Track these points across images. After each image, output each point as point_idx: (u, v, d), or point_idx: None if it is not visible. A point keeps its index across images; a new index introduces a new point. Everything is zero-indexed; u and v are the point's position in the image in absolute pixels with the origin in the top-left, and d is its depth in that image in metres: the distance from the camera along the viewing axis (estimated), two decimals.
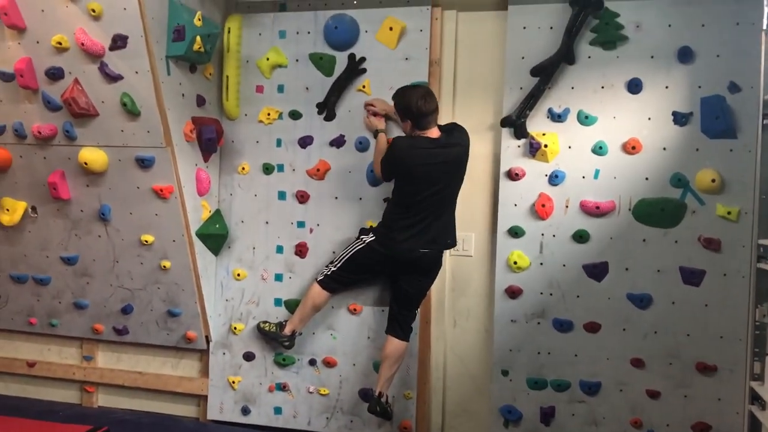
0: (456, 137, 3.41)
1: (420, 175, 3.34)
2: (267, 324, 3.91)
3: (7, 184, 3.98)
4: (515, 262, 3.58)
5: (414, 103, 3.29)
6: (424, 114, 3.30)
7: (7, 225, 4.03)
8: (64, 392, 4.48)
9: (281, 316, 3.98)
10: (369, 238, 3.61)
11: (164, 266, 3.91)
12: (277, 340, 3.86)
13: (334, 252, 3.85)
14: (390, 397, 3.68)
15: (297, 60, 3.89)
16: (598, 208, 3.45)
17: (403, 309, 3.64)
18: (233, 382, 4.08)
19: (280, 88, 3.93)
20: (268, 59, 3.91)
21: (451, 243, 3.56)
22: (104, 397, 4.43)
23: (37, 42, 3.52)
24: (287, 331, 3.82)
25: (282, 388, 4.02)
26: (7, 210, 4.00)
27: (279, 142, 3.92)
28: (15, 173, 3.94)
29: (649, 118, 3.39)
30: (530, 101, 3.50)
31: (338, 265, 3.68)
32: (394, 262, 3.55)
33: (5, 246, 4.18)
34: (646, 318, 3.45)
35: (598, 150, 3.44)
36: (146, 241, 3.87)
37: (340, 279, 3.71)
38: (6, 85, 3.67)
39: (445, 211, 3.47)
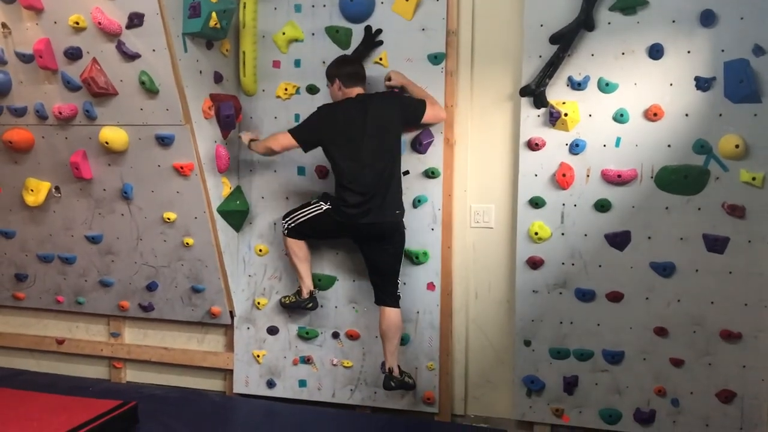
0: (381, 98, 3.58)
1: (345, 137, 3.47)
2: (287, 297, 3.95)
3: (31, 165, 4.03)
4: (536, 233, 3.57)
5: (336, 61, 3.63)
6: (345, 66, 3.59)
7: (32, 205, 4.09)
8: (93, 368, 4.58)
9: None
10: (326, 206, 3.63)
11: (187, 243, 3.95)
12: (301, 306, 3.90)
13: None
14: (399, 369, 3.69)
15: (313, 34, 3.88)
16: (619, 176, 3.42)
17: (377, 278, 3.69)
18: (258, 356, 4.14)
19: (297, 63, 3.92)
20: (284, 34, 3.89)
21: (400, 214, 3.61)
22: (132, 372, 4.52)
23: (55, 22, 3.53)
24: (305, 294, 3.85)
25: (306, 361, 4.07)
26: (32, 191, 4.06)
27: (297, 117, 3.91)
28: (38, 154, 3.99)
29: (671, 84, 3.33)
30: (549, 69, 3.45)
31: (298, 221, 3.71)
32: (350, 230, 3.61)
33: (31, 226, 4.24)
34: (670, 286, 3.43)
35: (619, 118, 3.40)
36: (168, 219, 3.91)
37: (303, 231, 3.75)
38: (26, 66, 3.71)
39: (388, 178, 3.51)
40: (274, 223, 4.03)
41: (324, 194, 3.76)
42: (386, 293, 3.67)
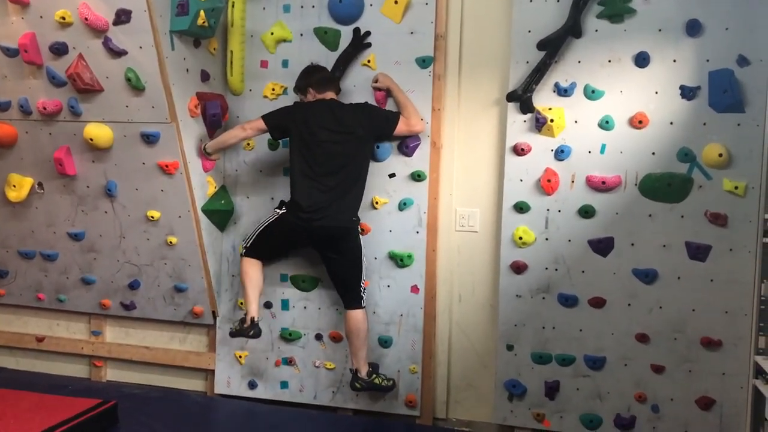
0: (352, 106, 3.64)
1: (309, 133, 3.51)
2: (234, 325, 3.78)
3: (14, 161, 4.00)
4: (520, 238, 3.58)
5: (303, 72, 3.70)
6: (314, 74, 3.66)
7: (14, 201, 4.05)
8: (73, 366, 4.54)
9: (287, 292, 4.02)
10: (282, 211, 3.65)
11: (170, 242, 3.93)
12: (244, 335, 3.71)
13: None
14: (370, 370, 3.72)
15: (302, 34, 3.87)
16: (604, 183, 3.44)
17: (340, 285, 3.74)
18: (240, 357, 4.12)
19: (285, 63, 3.91)
20: (272, 34, 3.88)
21: (355, 221, 3.65)
22: (113, 371, 4.48)
23: (41, 17, 3.51)
24: (247, 321, 3.69)
25: (288, 362, 4.05)
26: (14, 186, 4.02)
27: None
28: (21, 149, 3.95)
29: (657, 92, 3.35)
30: (536, 75, 3.47)
31: (255, 235, 3.74)
32: (304, 234, 3.64)
33: (13, 222, 4.20)
34: (652, 293, 3.45)
35: (605, 124, 3.42)
36: (152, 217, 3.88)
37: (261, 249, 3.76)
38: (10, 60, 3.67)
39: (349, 185, 3.55)
40: None
41: (281, 202, 3.75)
42: (351, 297, 3.70)
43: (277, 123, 3.60)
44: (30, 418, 3.28)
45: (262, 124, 3.61)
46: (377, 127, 3.61)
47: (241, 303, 4.07)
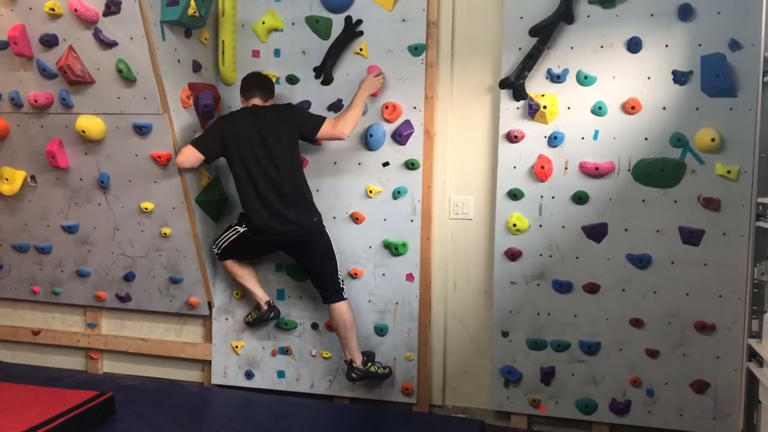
0: (275, 108, 3.65)
1: (238, 139, 3.52)
2: (249, 316, 4.01)
3: (6, 154, 3.98)
4: (514, 225, 3.59)
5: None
6: (243, 81, 3.68)
7: (7, 194, 4.03)
8: (69, 359, 4.54)
9: (282, 282, 4.02)
10: (243, 229, 3.69)
11: (165, 233, 3.92)
12: (264, 320, 3.97)
13: None
14: (364, 360, 3.76)
15: (293, 23, 3.85)
16: (597, 169, 3.44)
17: (316, 281, 3.76)
18: (236, 347, 4.13)
19: (277, 53, 3.90)
20: (263, 23, 3.87)
21: (317, 221, 3.65)
22: (109, 363, 4.49)
23: (30, 8, 3.48)
24: (263, 307, 3.92)
25: (285, 351, 4.06)
26: (7, 179, 4.00)
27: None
28: (13, 142, 3.93)
29: (649, 78, 3.35)
30: (529, 62, 3.46)
31: (222, 246, 3.81)
32: (272, 246, 3.73)
33: (6, 215, 4.19)
34: (646, 278, 3.46)
35: (598, 110, 3.42)
36: (146, 209, 3.88)
37: (232, 253, 3.83)
38: (0, 53, 3.64)
39: (294, 187, 3.56)
40: None
41: (240, 215, 3.75)
42: (329, 291, 3.71)
43: (207, 147, 3.57)
44: (27, 410, 3.28)
45: (197, 154, 3.56)
46: (300, 128, 3.58)
47: (237, 294, 4.08)
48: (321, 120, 3.59)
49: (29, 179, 4.03)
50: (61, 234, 4.13)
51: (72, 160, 3.87)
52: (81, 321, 4.48)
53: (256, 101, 3.63)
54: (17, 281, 4.40)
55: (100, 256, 4.14)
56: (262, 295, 3.91)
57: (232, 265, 3.85)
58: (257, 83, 3.67)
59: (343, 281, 3.72)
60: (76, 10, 3.37)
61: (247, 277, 3.88)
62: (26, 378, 4.04)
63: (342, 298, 3.70)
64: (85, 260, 4.18)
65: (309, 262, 3.71)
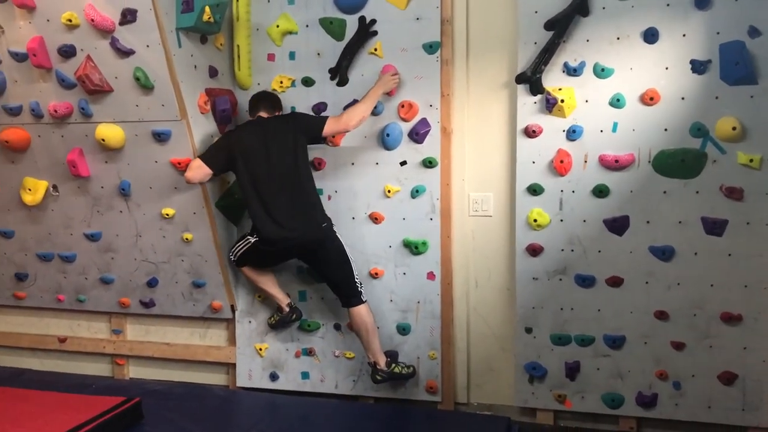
0: (279, 117, 3.71)
1: (244, 151, 3.54)
2: (272, 318, 4.04)
3: (28, 164, 4.02)
4: (535, 220, 3.57)
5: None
6: (249, 102, 3.75)
7: (30, 204, 4.09)
8: (95, 365, 4.59)
9: (303, 283, 4.04)
10: (254, 239, 3.69)
11: (186, 238, 3.95)
12: (287, 321, 4.00)
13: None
14: (388, 361, 3.76)
15: (307, 25, 3.86)
16: (617, 161, 3.41)
17: (333, 287, 3.76)
18: (260, 349, 4.15)
19: (292, 55, 3.91)
20: (278, 26, 3.88)
21: (326, 227, 3.63)
22: (135, 368, 4.53)
23: (48, 20, 3.52)
24: (285, 309, 3.94)
25: (308, 353, 4.08)
26: (29, 190, 4.05)
27: (293, 111, 3.90)
28: (34, 153, 3.98)
29: (667, 68, 3.32)
30: (545, 56, 3.44)
31: (238, 254, 3.81)
32: (284, 254, 3.73)
33: (30, 225, 4.24)
34: (669, 270, 3.43)
35: (616, 103, 3.39)
36: (167, 215, 3.90)
37: (247, 261, 3.83)
38: (20, 65, 3.69)
39: (302, 195, 3.56)
40: None
41: (252, 225, 3.73)
42: (347, 296, 3.70)
43: (213, 160, 3.58)
44: (56, 417, 3.32)
45: (204, 168, 3.57)
46: (305, 131, 3.59)
47: (259, 296, 4.10)
48: (324, 119, 3.60)
49: (51, 189, 4.07)
50: (84, 242, 4.18)
51: (93, 169, 3.91)
52: (106, 327, 4.52)
53: (262, 114, 3.68)
54: (43, 290, 4.46)
55: (123, 263, 4.17)
56: (282, 298, 3.93)
57: (249, 271, 3.87)
58: (261, 97, 3.75)
59: (361, 284, 3.71)
60: (92, 20, 3.40)
61: (266, 281, 3.90)
62: (54, 385, 4.10)
63: (361, 302, 3.68)
64: (108, 267, 4.22)
65: (323, 269, 3.72)
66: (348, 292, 3.69)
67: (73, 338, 4.57)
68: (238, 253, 3.80)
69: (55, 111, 3.73)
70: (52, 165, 3.98)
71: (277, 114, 3.73)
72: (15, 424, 3.30)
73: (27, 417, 3.37)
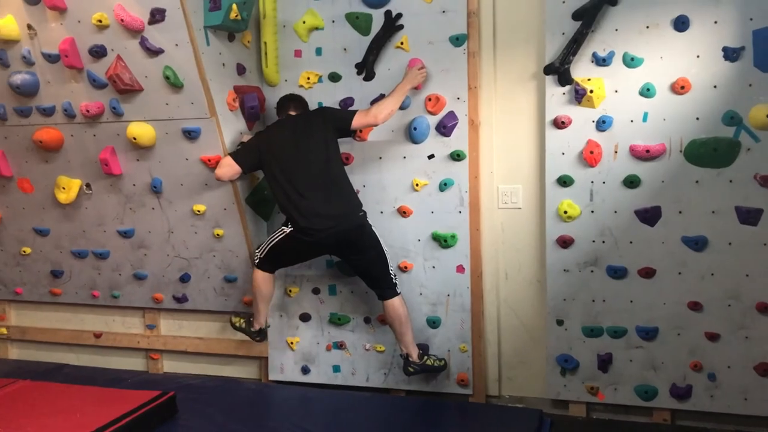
0: (307, 113, 3.74)
1: (275, 149, 3.58)
2: (238, 319, 4.03)
3: (61, 163, 4.10)
4: (565, 212, 3.55)
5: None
6: (277, 105, 3.81)
7: (64, 203, 4.16)
8: (130, 360, 4.67)
9: (333, 277, 4.07)
10: (289, 229, 3.66)
11: (218, 234, 3.99)
12: (249, 336, 4.02)
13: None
14: (420, 353, 3.74)
15: (333, 21, 3.87)
16: (648, 151, 3.38)
17: (369, 281, 3.76)
18: (291, 343, 4.18)
19: (318, 51, 3.92)
20: (304, 22, 3.89)
21: (362, 216, 3.64)
22: (169, 363, 4.60)
23: (79, 21, 3.57)
24: (255, 327, 3.96)
25: (339, 346, 4.10)
26: (63, 188, 4.12)
27: (320, 106, 3.91)
28: (67, 152, 4.04)
29: (698, 56, 3.27)
30: (573, 46, 3.41)
31: (265, 251, 3.78)
32: (320, 248, 3.69)
33: (64, 223, 4.32)
34: (703, 260, 3.39)
35: (646, 92, 3.35)
36: (198, 211, 3.95)
37: (273, 262, 3.82)
38: (52, 66, 3.75)
39: (336, 186, 3.57)
40: None
41: (287, 218, 3.74)
42: (383, 288, 3.69)
43: (244, 160, 3.63)
44: (95, 411, 3.38)
45: (234, 165, 3.62)
46: (335, 123, 3.61)
47: (289, 290, 4.13)
48: (352, 112, 3.61)
49: (84, 187, 4.14)
50: (118, 239, 4.25)
51: (125, 167, 3.97)
52: (140, 323, 4.60)
53: (291, 112, 3.73)
54: (78, 286, 4.54)
55: (156, 259, 4.24)
56: (262, 320, 3.95)
57: (262, 278, 3.82)
58: (290, 97, 3.80)
59: (395, 276, 3.72)
60: (122, 20, 3.44)
61: (265, 296, 3.88)
62: (91, 380, 4.16)
63: (396, 294, 3.68)
64: (141, 264, 4.29)
65: (359, 261, 3.70)
66: (384, 285, 3.69)
67: (108, 333, 4.66)
68: (266, 249, 3.77)
69: (87, 111, 3.79)
70: (84, 164, 4.05)
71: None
72: (56, 417, 3.37)
73: (68, 410, 3.43)
